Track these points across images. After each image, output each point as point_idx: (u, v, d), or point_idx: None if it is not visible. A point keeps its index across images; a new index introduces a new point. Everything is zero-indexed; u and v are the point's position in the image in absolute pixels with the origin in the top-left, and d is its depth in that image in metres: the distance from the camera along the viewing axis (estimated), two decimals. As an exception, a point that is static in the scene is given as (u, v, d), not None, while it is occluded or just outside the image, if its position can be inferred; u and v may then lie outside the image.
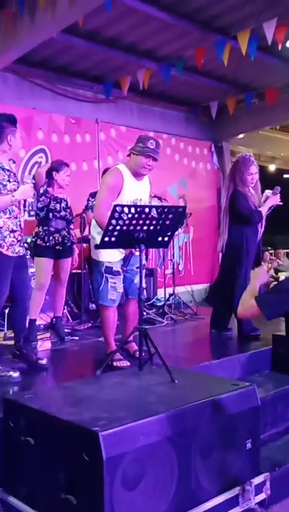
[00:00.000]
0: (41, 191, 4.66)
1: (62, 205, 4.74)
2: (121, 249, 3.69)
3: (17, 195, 3.38)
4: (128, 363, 3.70)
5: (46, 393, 2.86)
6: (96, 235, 3.86)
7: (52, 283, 4.89)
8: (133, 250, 3.73)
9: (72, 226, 4.89)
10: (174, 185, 8.26)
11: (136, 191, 3.80)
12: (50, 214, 4.63)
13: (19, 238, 3.53)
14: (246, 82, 7.36)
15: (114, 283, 3.80)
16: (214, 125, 8.59)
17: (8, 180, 3.43)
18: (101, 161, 7.14)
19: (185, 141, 8.48)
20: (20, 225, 3.55)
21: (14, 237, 3.48)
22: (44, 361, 3.78)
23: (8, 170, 3.47)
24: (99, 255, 3.84)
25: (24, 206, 3.66)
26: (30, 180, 3.46)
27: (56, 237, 4.64)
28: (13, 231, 3.47)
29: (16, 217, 3.51)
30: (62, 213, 4.71)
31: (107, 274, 3.81)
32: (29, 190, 3.41)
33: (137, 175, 3.79)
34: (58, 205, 4.68)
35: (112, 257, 3.79)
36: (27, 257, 3.77)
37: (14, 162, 3.63)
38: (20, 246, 3.56)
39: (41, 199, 4.64)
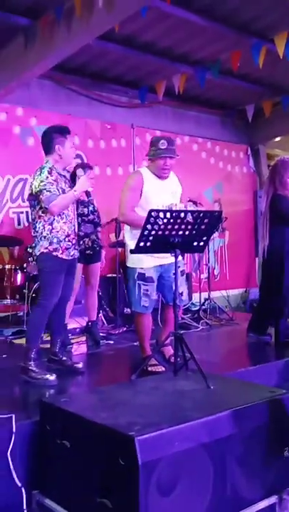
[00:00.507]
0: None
1: (90, 208, 4.79)
2: (155, 255, 3.70)
3: (78, 189, 3.50)
4: (163, 368, 3.71)
5: (82, 397, 2.89)
6: (129, 241, 3.90)
7: (83, 288, 4.94)
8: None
9: (99, 229, 4.94)
10: (209, 189, 8.24)
11: (162, 191, 3.83)
12: (79, 218, 4.68)
13: (74, 242, 3.64)
14: (283, 85, 7.29)
15: (147, 290, 3.82)
16: (250, 128, 8.53)
17: (66, 186, 3.58)
18: (136, 165, 7.16)
19: (220, 144, 8.45)
20: (74, 229, 3.66)
21: (69, 240, 3.59)
22: (80, 365, 3.82)
23: (63, 176, 3.61)
24: (132, 262, 3.87)
25: (77, 209, 3.76)
26: (81, 172, 3.59)
27: (86, 242, 4.69)
28: (68, 235, 3.57)
29: (71, 222, 3.62)
30: (91, 217, 4.76)
31: (139, 281, 3.83)
32: (86, 180, 3.55)
33: (161, 177, 3.85)
34: (85, 209, 4.73)
35: (145, 263, 3.81)
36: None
37: (68, 172, 3.73)
38: (75, 249, 3.68)
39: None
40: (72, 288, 3.82)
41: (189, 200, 5.60)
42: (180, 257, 3.99)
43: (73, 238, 3.63)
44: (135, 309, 3.91)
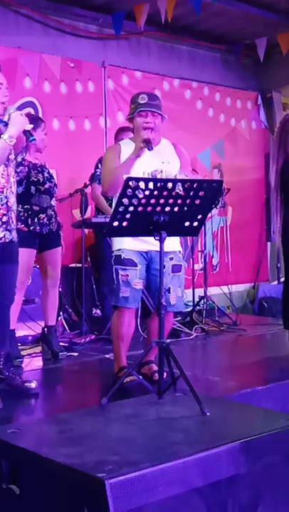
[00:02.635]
0: (19, 159, 4.66)
1: (45, 174, 4.77)
2: (142, 237, 3.72)
3: (10, 132, 3.44)
4: (139, 377, 3.70)
5: (36, 427, 2.89)
6: None
7: (40, 282, 4.92)
8: None
9: (54, 202, 4.93)
10: (207, 150, 8.23)
11: (149, 159, 3.86)
12: (32, 188, 4.65)
13: (4, 220, 3.59)
14: (305, 12, 7.30)
15: (127, 275, 3.89)
16: (261, 70, 8.53)
17: None
18: (109, 118, 7.15)
19: (222, 91, 8.44)
20: (7, 202, 3.61)
21: None
22: (33, 384, 3.82)
23: None
24: (113, 244, 3.99)
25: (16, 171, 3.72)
26: (14, 109, 3.56)
27: (42, 218, 4.67)
28: None
29: (1, 192, 3.57)
30: (47, 185, 4.74)
31: (116, 266, 3.94)
32: (20, 117, 3.50)
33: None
34: (40, 175, 4.70)
35: (125, 244, 3.89)
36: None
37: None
38: (8, 230, 3.63)
39: (19, 169, 4.66)
40: (14, 282, 3.80)
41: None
42: (176, 244, 4.03)
43: (4, 215, 3.59)
44: (114, 303, 4.02)
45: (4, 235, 3.60)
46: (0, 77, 3.65)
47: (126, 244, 3.89)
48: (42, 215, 4.67)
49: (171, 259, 3.97)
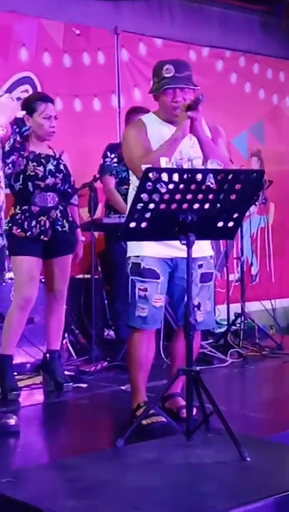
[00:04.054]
0: (7, 147, 4.65)
1: (50, 166, 4.75)
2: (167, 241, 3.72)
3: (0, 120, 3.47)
4: (163, 419, 3.70)
5: (36, 476, 2.89)
6: None
7: (40, 297, 4.93)
8: None
9: (75, 201, 4.92)
10: (243, 134, 8.22)
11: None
12: (30, 184, 4.65)
13: None
14: None
15: (145, 289, 3.87)
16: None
17: None
18: (123, 95, 7.14)
19: (261, 61, 8.41)
20: None
21: None
22: (12, 421, 3.83)
23: None
24: (129, 249, 3.96)
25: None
26: (3, 91, 3.58)
27: (42, 222, 4.67)
28: None
29: None
30: (50, 181, 4.72)
31: (133, 277, 3.90)
32: (10, 102, 3.53)
33: (173, 122, 3.88)
34: (40, 168, 4.70)
35: (145, 249, 3.85)
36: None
37: None
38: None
39: (9, 161, 4.64)
40: None
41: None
42: (207, 247, 4.01)
43: None
44: (129, 323, 3.99)
45: None
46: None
47: (146, 250, 3.85)
48: (42, 218, 4.66)
49: (200, 266, 3.95)
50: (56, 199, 4.75)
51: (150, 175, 3.05)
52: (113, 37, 7.15)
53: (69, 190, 4.89)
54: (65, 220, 4.79)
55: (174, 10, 7.73)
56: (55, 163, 4.78)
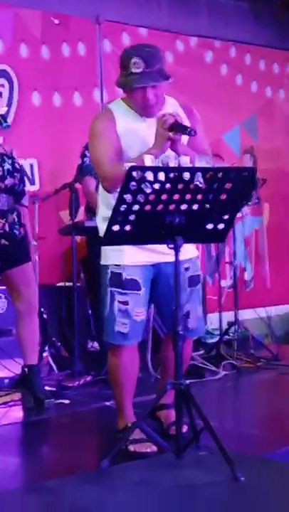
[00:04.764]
0: None
1: (6, 166, 4.75)
2: (149, 246, 3.70)
3: None
4: (154, 448, 3.69)
5: (14, 499, 2.87)
6: (102, 223, 3.85)
7: (12, 308, 4.93)
8: None
9: (25, 202, 4.92)
10: (235, 130, 8.23)
11: (151, 135, 3.79)
12: None
13: None
14: None
15: (126, 303, 3.82)
16: (305, 23, 8.54)
17: None
18: (106, 89, 7.13)
19: (253, 51, 8.44)
20: None
21: None
22: None
23: None
24: (105, 255, 3.88)
25: None
26: None
27: (1, 226, 4.66)
28: None
29: None
30: (9, 182, 4.73)
31: (112, 288, 3.84)
32: None
33: (146, 114, 3.83)
34: None
35: (125, 257, 3.80)
36: None
37: None
38: None
39: None
40: None
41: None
42: (192, 248, 4.00)
43: None
44: (107, 339, 3.93)
45: None
46: None
47: (127, 258, 3.79)
48: (1, 221, 4.66)
49: (187, 269, 3.90)
50: (12, 201, 4.75)
51: (134, 174, 3.04)
52: (95, 26, 7.12)
53: (24, 190, 4.89)
54: (20, 225, 4.80)
55: (159, -3, 7.75)
56: (10, 161, 4.77)
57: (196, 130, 3.78)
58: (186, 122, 3.85)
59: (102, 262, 3.90)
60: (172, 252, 3.42)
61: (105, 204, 3.87)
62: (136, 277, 3.81)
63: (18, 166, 4.85)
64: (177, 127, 3.53)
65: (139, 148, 3.74)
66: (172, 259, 3.62)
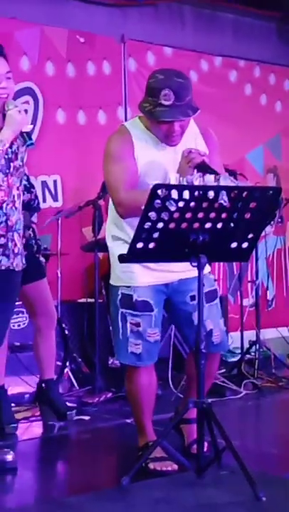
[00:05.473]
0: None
1: (24, 182, 4.76)
2: (154, 266, 3.71)
3: (3, 135, 3.51)
4: (175, 467, 3.68)
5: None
6: (112, 242, 3.92)
7: (31, 324, 4.94)
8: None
9: (35, 219, 4.96)
10: (258, 149, 8.23)
11: (171, 161, 3.76)
12: None
13: (1, 242, 3.64)
14: None
15: (138, 324, 3.81)
16: None
17: None
18: (130, 107, 7.16)
19: (278, 71, 8.44)
20: (7, 220, 3.66)
21: None
22: (9, 457, 3.81)
23: None
24: (115, 276, 3.89)
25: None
26: (14, 105, 3.61)
27: None
28: None
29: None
30: (26, 197, 4.75)
31: (123, 309, 3.83)
32: (17, 115, 3.55)
33: (169, 142, 3.78)
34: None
35: (136, 278, 3.80)
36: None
37: None
38: (5, 255, 3.66)
39: None
40: (5, 322, 3.82)
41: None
42: (207, 268, 3.99)
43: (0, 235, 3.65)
44: (119, 359, 3.96)
45: (2, 260, 3.64)
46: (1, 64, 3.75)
47: (138, 279, 3.78)
48: None
49: (203, 285, 3.90)
50: (28, 217, 4.77)
51: (159, 192, 3.05)
52: (120, 45, 7.19)
53: (39, 207, 4.94)
54: (35, 241, 4.83)
55: (184, 16, 7.77)
56: (26, 178, 4.79)
57: (214, 151, 3.85)
58: (204, 148, 3.84)
59: (112, 283, 3.91)
60: (186, 268, 3.46)
61: (115, 223, 3.89)
62: (147, 299, 3.80)
63: (32, 182, 4.91)
64: (204, 169, 3.50)
65: (157, 176, 3.72)
66: (185, 275, 3.68)
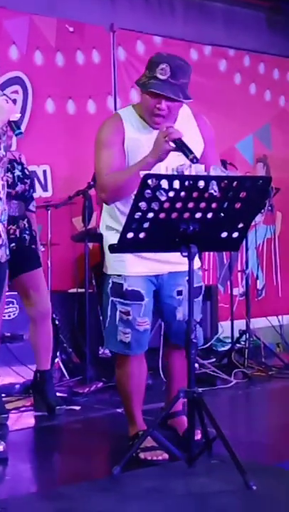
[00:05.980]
0: None
1: (16, 172, 4.76)
2: (148, 255, 3.71)
3: None
4: (166, 456, 3.68)
5: (26, 505, 2.87)
6: (106, 231, 3.91)
7: (26, 316, 4.93)
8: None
9: (33, 207, 4.93)
10: (248, 138, 8.22)
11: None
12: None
13: None
14: None
15: (128, 313, 3.81)
16: None
17: None
18: (120, 97, 7.15)
19: (267, 60, 8.42)
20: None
21: None
22: (1, 447, 3.80)
23: None
24: (108, 265, 3.90)
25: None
26: (1, 93, 3.59)
27: (12, 232, 4.67)
28: None
29: None
30: (19, 188, 4.74)
31: (114, 298, 3.84)
32: (4, 104, 3.51)
33: (154, 122, 3.76)
34: (8, 174, 4.70)
35: (127, 267, 3.80)
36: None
37: None
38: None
39: None
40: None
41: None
42: (197, 263, 3.98)
43: None
44: (109, 347, 3.99)
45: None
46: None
47: (129, 268, 3.78)
48: (12, 228, 4.67)
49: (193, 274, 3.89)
50: (23, 207, 4.77)
51: (149, 182, 3.04)
52: (109, 34, 7.17)
53: (33, 196, 4.91)
54: (30, 231, 4.83)
55: (174, 5, 7.74)
56: (20, 168, 4.78)
57: (210, 142, 3.88)
58: (197, 133, 3.86)
59: (105, 271, 3.92)
60: (177, 261, 3.45)
61: (109, 213, 3.89)
62: (138, 288, 3.80)
63: (27, 172, 4.88)
64: (181, 145, 3.44)
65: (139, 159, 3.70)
66: (175, 269, 3.67)
